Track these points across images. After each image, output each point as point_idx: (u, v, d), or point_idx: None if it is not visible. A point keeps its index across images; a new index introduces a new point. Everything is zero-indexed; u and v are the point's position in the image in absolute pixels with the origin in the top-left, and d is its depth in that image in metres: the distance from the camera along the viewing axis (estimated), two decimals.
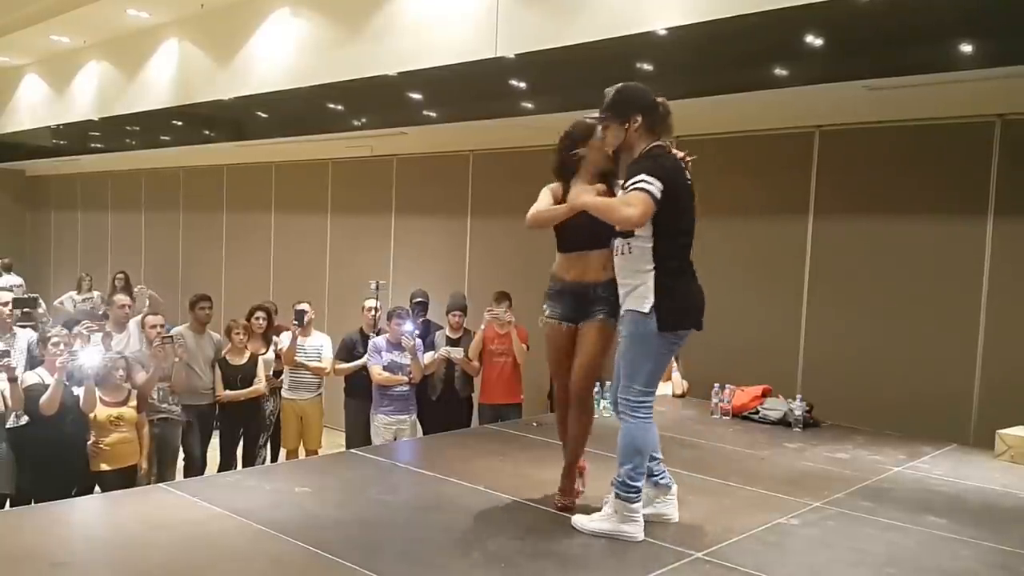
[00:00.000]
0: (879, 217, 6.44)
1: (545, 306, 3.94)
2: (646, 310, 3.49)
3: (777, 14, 5.41)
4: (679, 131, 7.50)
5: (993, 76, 4.97)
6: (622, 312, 3.61)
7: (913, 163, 6.28)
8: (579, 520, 3.65)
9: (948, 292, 6.14)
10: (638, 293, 3.52)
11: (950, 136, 6.12)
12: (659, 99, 3.64)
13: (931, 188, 6.22)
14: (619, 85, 3.69)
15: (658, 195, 3.40)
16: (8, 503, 5.50)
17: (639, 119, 3.58)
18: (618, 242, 3.62)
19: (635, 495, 3.53)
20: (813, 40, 5.53)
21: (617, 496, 3.54)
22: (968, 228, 6.04)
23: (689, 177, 3.63)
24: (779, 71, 5.71)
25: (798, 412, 5.78)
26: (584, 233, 3.74)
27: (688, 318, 3.59)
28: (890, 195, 6.37)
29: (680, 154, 3.66)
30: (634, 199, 3.41)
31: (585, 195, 3.63)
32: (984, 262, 5.98)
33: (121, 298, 7.22)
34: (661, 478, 3.78)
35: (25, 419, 5.41)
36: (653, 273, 3.50)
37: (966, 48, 4.95)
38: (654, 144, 3.59)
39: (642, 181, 3.42)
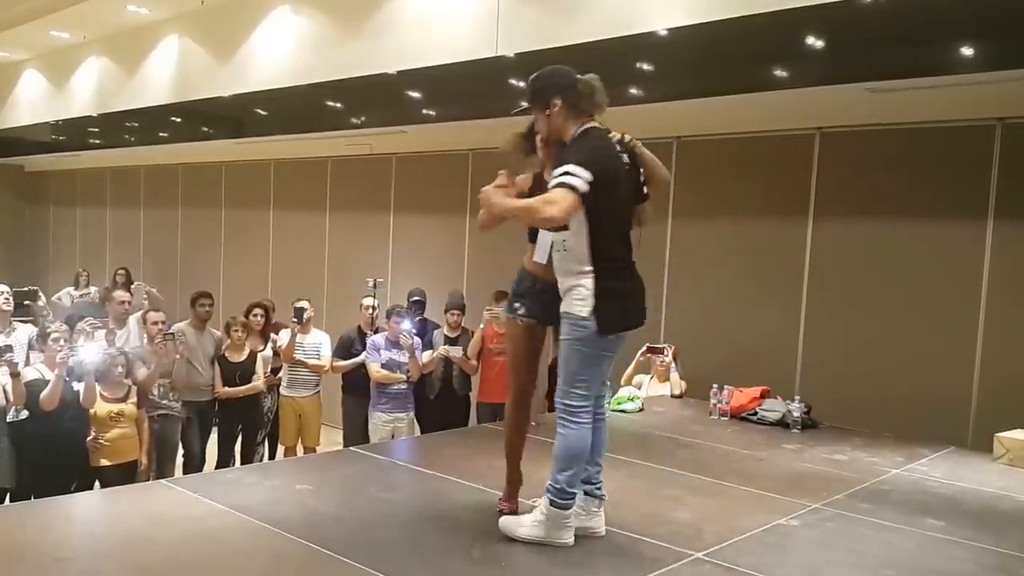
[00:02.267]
0: (879, 219, 6.45)
1: (518, 304, 3.61)
2: (585, 314, 3.27)
3: (778, 15, 5.42)
4: (680, 132, 7.58)
5: (994, 79, 4.98)
6: (561, 313, 3.37)
7: (913, 166, 6.29)
8: (507, 524, 3.47)
9: (947, 295, 6.15)
10: (576, 295, 3.30)
11: (951, 139, 6.13)
12: (581, 77, 3.38)
13: (931, 191, 6.23)
14: (536, 72, 3.47)
15: (585, 187, 3.15)
16: (8, 497, 5.50)
17: (558, 102, 3.35)
18: (553, 237, 3.39)
19: (571, 502, 3.39)
20: (814, 42, 5.55)
21: (552, 504, 3.37)
22: (968, 231, 6.05)
23: (628, 161, 3.40)
24: (780, 72, 5.72)
25: (797, 413, 5.78)
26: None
27: (628, 319, 3.38)
28: (890, 197, 6.38)
29: (618, 135, 3.42)
30: (557, 195, 3.14)
31: (497, 198, 3.38)
32: (983, 265, 5.99)
33: (121, 294, 7.23)
34: (597, 488, 3.57)
35: (24, 414, 5.41)
36: (592, 274, 3.29)
37: (967, 51, 4.96)
38: (588, 126, 3.37)
39: (567, 174, 3.17)
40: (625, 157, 3.41)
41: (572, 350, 3.35)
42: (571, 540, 3.41)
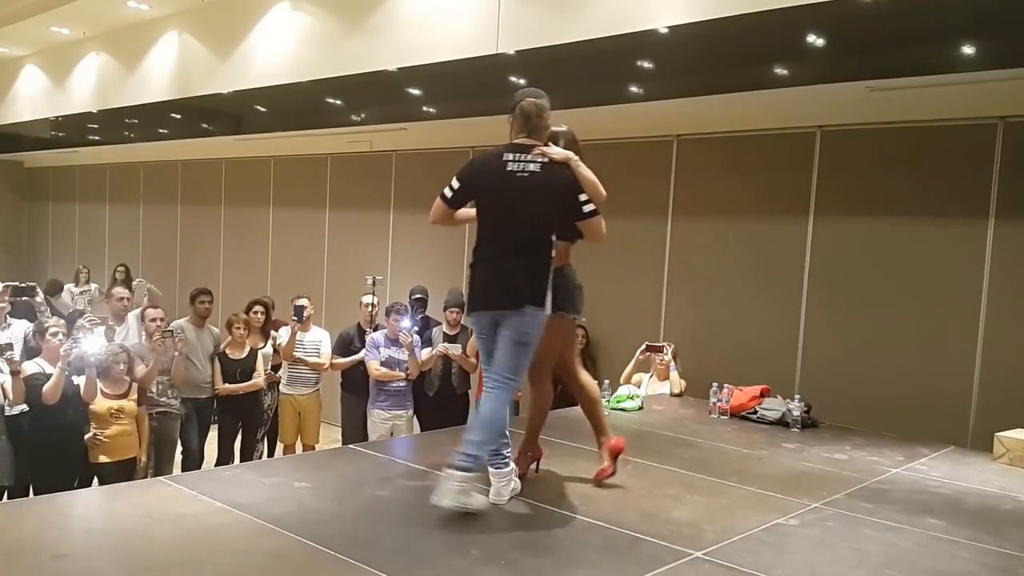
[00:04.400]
0: (879, 218, 6.44)
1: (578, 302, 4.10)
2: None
3: (779, 13, 5.41)
4: (680, 130, 7.56)
5: (996, 78, 4.97)
6: None
7: (914, 164, 6.28)
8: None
9: (948, 294, 6.14)
10: None
11: (952, 138, 6.12)
12: (527, 99, 3.78)
13: (932, 190, 6.22)
14: None
15: (448, 194, 3.85)
16: (7, 495, 5.49)
17: (509, 117, 3.86)
18: None
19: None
20: (815, 40, 5.53)
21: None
22: (969, 230, 6.04)
23: (532, 170, 3.70)
24: (781, 71, 5.70)
25: (796, 412, 5.78)
26: None
27: (474, 303, 3.86)
28: (891, 196, 6.37)
29: (539, 150, 3.74)
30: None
31: None
32: (984, 264, 5.98)
33: (120, 291, 7.22)
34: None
35: (19, 408, 5.41)
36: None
37: (969, 49, 4.95)
38: (512, 142, 3.81)
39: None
40: (530, 167, 3.70)
41: None
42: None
